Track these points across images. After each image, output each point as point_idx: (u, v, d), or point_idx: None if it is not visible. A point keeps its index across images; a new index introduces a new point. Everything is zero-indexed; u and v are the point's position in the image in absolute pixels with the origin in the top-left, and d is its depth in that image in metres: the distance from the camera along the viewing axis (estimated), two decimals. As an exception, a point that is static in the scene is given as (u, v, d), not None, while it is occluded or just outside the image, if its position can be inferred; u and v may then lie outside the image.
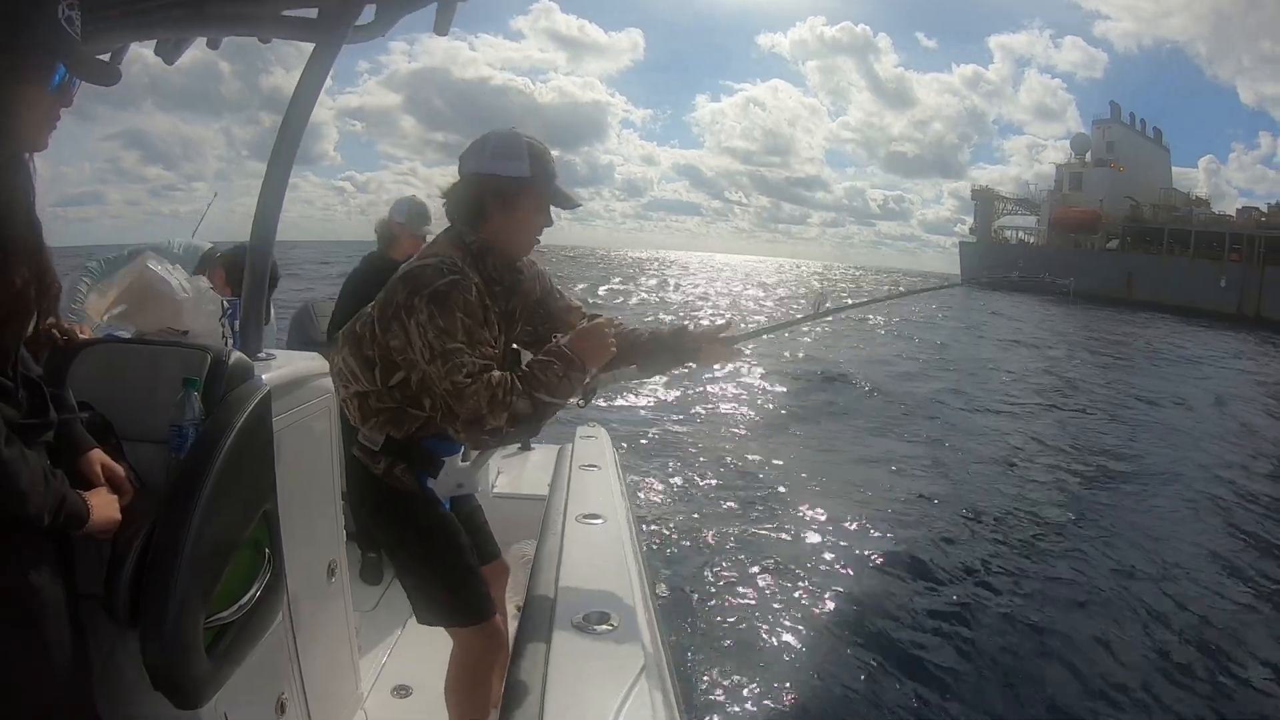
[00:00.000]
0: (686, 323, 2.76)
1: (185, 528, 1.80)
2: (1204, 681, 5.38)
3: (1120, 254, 70.76)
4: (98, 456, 1.84)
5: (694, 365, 2.69)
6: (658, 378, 2.51)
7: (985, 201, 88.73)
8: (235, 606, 2.02)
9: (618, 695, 1.65)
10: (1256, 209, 66.19)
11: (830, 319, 2.81)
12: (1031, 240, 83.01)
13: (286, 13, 2.63)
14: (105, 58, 2.81)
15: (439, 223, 2.49)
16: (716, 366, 2.80)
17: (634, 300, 40.28)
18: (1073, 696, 5.08)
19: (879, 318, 28.96)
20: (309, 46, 2.61)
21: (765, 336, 3.18)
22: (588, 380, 2.29)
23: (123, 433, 2.00)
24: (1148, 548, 7.80)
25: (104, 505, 1.75)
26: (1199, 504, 9.58)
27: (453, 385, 2.08)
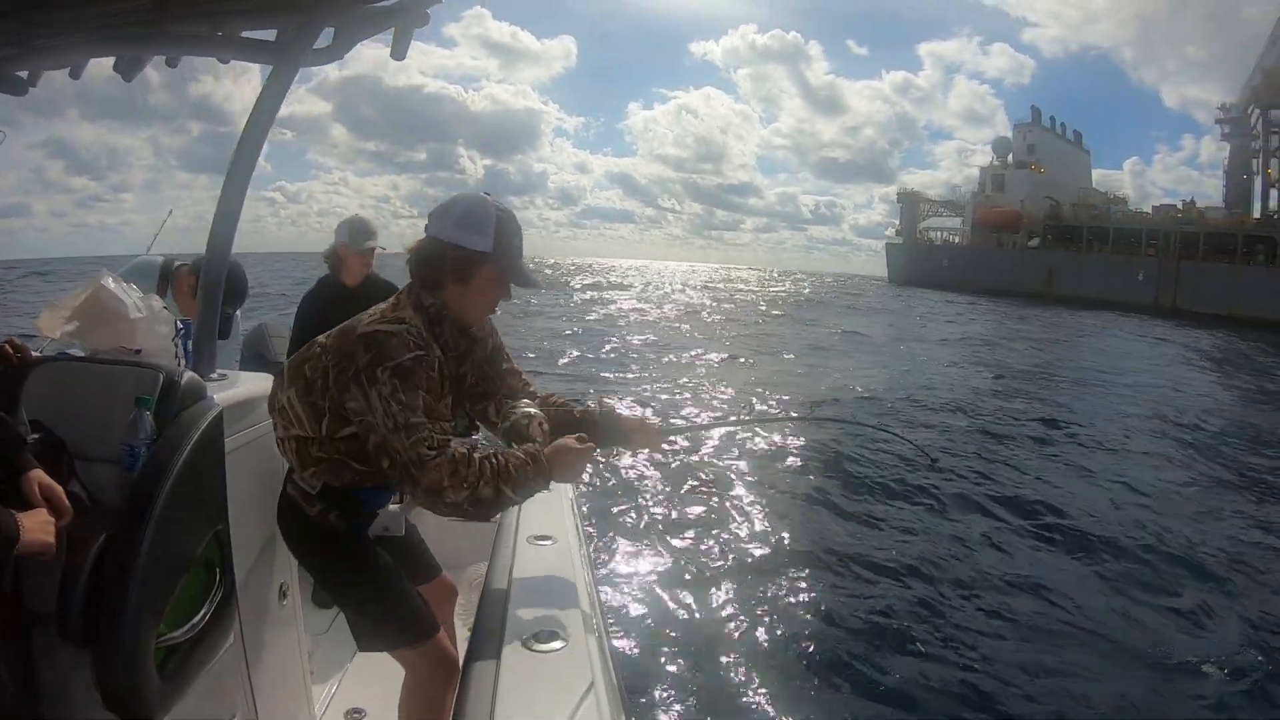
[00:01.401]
0: (614, 406, 2.76)
1: (138, 547, 1.78)
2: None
3: (1041, 251, 73.01)
4: (37, 477, 1.78)
5: (624, 447, 2.70)
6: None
7: (910, 204, 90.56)
8: (187, 626, 1.99)
9: (566, 711, 1.65)
10: (1173, 206, 68.98)
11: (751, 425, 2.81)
12: (956, 240, 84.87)
13: (246, 34, 2.61)
14: (65, 71, 2.80)
15: (385, 234, 2.45)
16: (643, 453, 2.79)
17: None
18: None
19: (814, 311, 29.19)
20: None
21: (692, 435, 3.12)
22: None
23: (76, 451, 1.96)
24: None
25: (38, 526, 1.68)
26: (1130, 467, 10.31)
27: (418, 456, 2.04)
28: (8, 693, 1.58)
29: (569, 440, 2.29)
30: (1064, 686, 5.26)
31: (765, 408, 13.42)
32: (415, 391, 2.07)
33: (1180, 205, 68.59)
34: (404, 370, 2.07)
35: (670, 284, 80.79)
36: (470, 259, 2.25)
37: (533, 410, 2.48)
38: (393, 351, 2.09)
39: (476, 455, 2.10)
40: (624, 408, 2.71)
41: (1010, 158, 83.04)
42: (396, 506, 2.50)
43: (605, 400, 2.78)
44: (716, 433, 11.54)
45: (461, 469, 2.05)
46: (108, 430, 1.99)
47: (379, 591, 2.41)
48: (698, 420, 11.99)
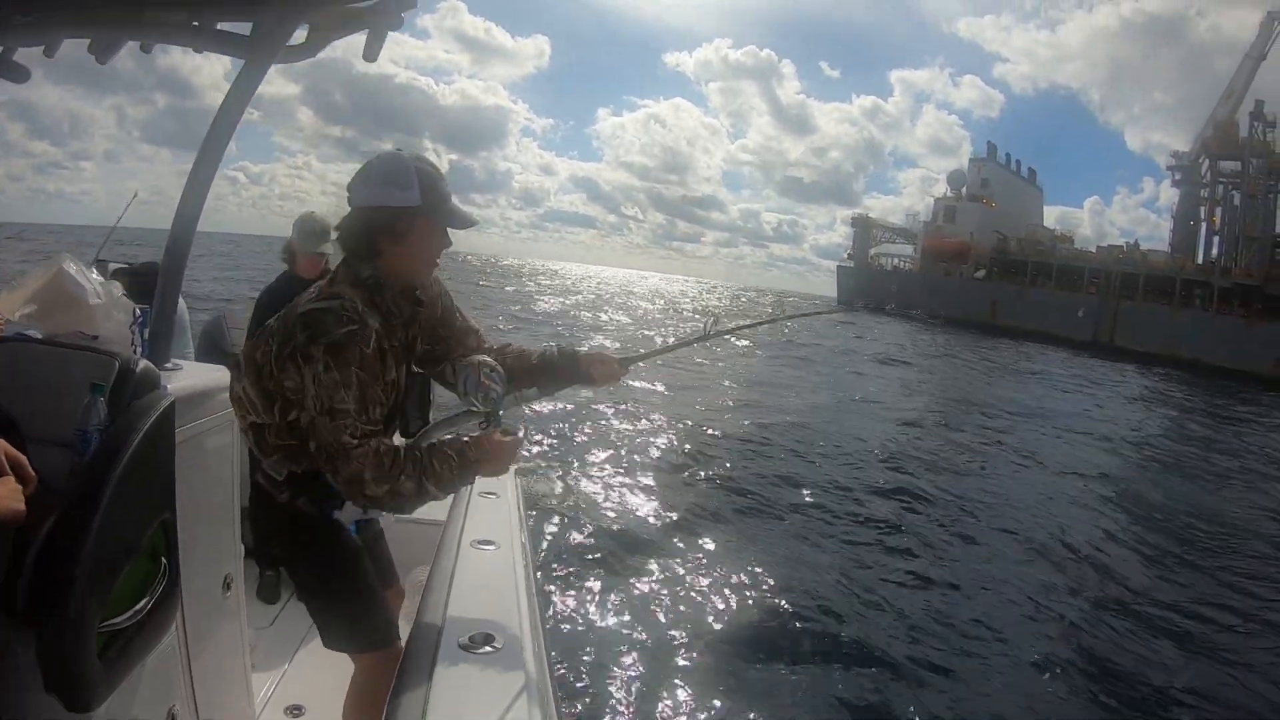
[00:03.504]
0: (572, 343, 2.72)
1: (86, 529, 1.74)
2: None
3: (986, 283, 74.20)
4: (2, 446, 1.73)
5: (587, 386, 2.66)
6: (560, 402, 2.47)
7: (863, 229, 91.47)
8: (130, 613, 1.94)
9: (498, 713, 1.65)
10: (1118, 246, 70.48)
11: (715, 339, 2.80)
12: (906, 267, 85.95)
13: (222, 26, 2.58)
14: (40, 49, 2.75)
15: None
16: (609, 387, 2.75)
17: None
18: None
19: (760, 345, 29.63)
20: None
21: (657, 359, 3.10)
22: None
23: (27, 433, 1.92)
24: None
25: (8, 494, 1.62)
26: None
27: (339, 444, 2.02)
28: None
29: (495, 434, 2.25)
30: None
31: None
32: (348, 368, 2.05)
33: (1125, 246, 70.17)
34: (336, 346, 2.04)
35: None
36: (399, 216, 2.21)
37: (482, 359, 2.40)
38: (327, 327, 2.06)
39: (401, 449, 2.08)
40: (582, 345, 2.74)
41: (964, 190, 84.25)
42: None
43: (561, 342, 2.72)
44: (670, 413, 11.59)
45: (385, 460, 2.03)
46: (60, 414, 1.95)
47: (350, 589, 2.39)
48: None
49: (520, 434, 2.34)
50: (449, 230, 2.33)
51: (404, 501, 2.09)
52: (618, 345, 23.27)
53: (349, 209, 2.27)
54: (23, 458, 1.77)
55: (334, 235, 2.33)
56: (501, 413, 2.37)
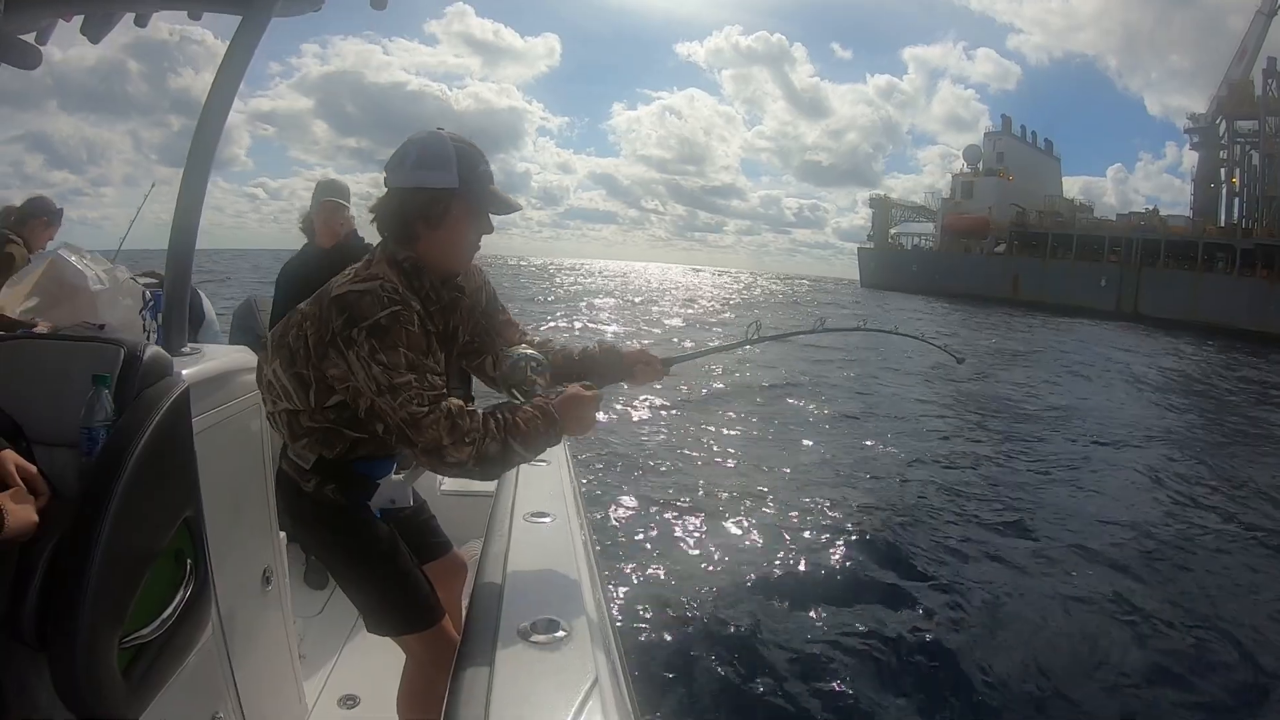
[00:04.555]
0: (615, 342, 2.60)
1: (94, 539, 1.57)
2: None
3: (1007, 258, 73.41)
4: (10, 457, 1.60)
5: (629, 383, 2.54)
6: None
7: (882, 209, 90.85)
8: (156, 623, 1.78)
9: (568, 711, 1.45)
10: (1138, 214, 69.37)
11: (756, 344, 2.66)
12: (927, 245, 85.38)
13: None
14: (30, 36, 2.59)
15: (367, 230, 2.26)
16: (652, 385, 2.62)
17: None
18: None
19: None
20: (219, 48, 2.39)
21: (697, 360, 2.98)
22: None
23: (33, 436, 1.76)
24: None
25: (19, 508, 1.52)
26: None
27: (409, 415, 1.89)
28: None
29: (576, 388, 2.14)
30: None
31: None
32: (395, 350, 1.91)
33: (1144, 213, 69.15)
34: (380, 329, 1.91)
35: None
36: (436, 199, 2.08)
37: (528, 351, 2.30)
38: (366, 310, 1.92)
39: (479, 410, 1.95)
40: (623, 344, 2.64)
41: (980, 165, 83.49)
42: (400, 476, 2.30)
43: (604, 340, 2.59)
44: (720, 387, 11.34)
45: (461, 423, 1.90)
46: (64, 412, 1.78)
47: (382, 574, 2.26)
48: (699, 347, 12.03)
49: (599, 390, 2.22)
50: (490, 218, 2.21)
51: (491, 465, 1.98)
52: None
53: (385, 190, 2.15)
54: (33, 469, 1.63)
55: (371, 218, 2.20)
56: None
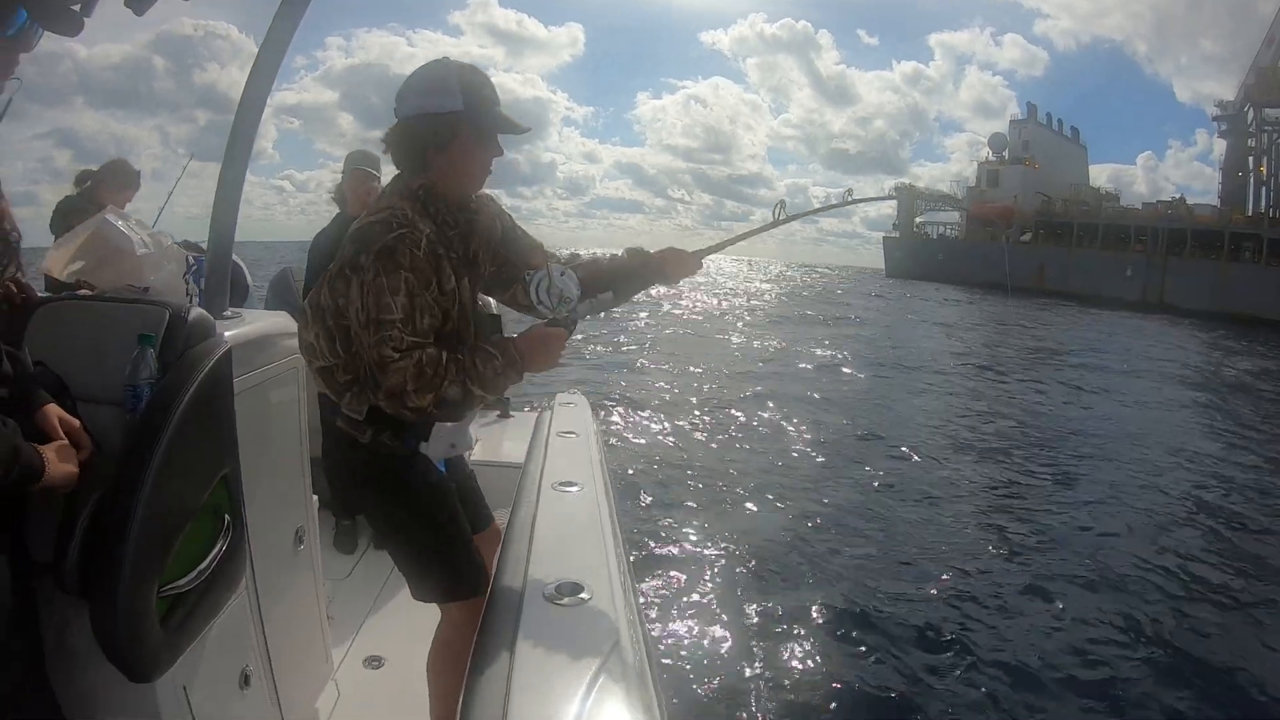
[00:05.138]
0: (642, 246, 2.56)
1: (137, 492, 1.63)
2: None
3: (1033, 246, 72.54)
4: (54, 410, 1.67)
5: (663, 283, 2.49)
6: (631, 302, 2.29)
7: (907, 198, 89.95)
8: (193, 574, 1.85)
9: (590, 669, 1.50)
10: (1163, 203, 68.04)
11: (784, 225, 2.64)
12: (953, 234, 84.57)
13: None
14: (76, 7, 2.64)
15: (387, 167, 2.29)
16: (684, 282, 2.59)
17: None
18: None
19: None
20: (244, 43, 2.41)
21: (728, 248, 2.94)
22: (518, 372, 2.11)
23: (79, 393, 1.82)
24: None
25: (61, 459, 1.59)
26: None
27: (379, 357, 1.94)
28: (10, 641, 1.47)
29: (540, 326, 2.15)
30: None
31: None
32: (397, 273, 1.94)
33: (1171, 201, 68.06)
34: (386, 250, 1.95)
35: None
36: (442, 122, 2.10)
37: (552, 264, 2.23)
38: (375, 236, 1.97)
39: (444, 355, 1.98)
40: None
41: (1006, 153, 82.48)
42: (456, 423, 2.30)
43: (631, 246, 2.56)
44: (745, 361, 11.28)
45: (427, 369, 1.93)
46: (110, 371, 1.85)
47: (448, 539, 2.29)
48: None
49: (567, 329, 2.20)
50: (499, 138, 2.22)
51: (452, 408, 2.03)
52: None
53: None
54: (76, 423, 1.69)
55: (383, 148, 2.21)
56: (577, 321, 2.23)
